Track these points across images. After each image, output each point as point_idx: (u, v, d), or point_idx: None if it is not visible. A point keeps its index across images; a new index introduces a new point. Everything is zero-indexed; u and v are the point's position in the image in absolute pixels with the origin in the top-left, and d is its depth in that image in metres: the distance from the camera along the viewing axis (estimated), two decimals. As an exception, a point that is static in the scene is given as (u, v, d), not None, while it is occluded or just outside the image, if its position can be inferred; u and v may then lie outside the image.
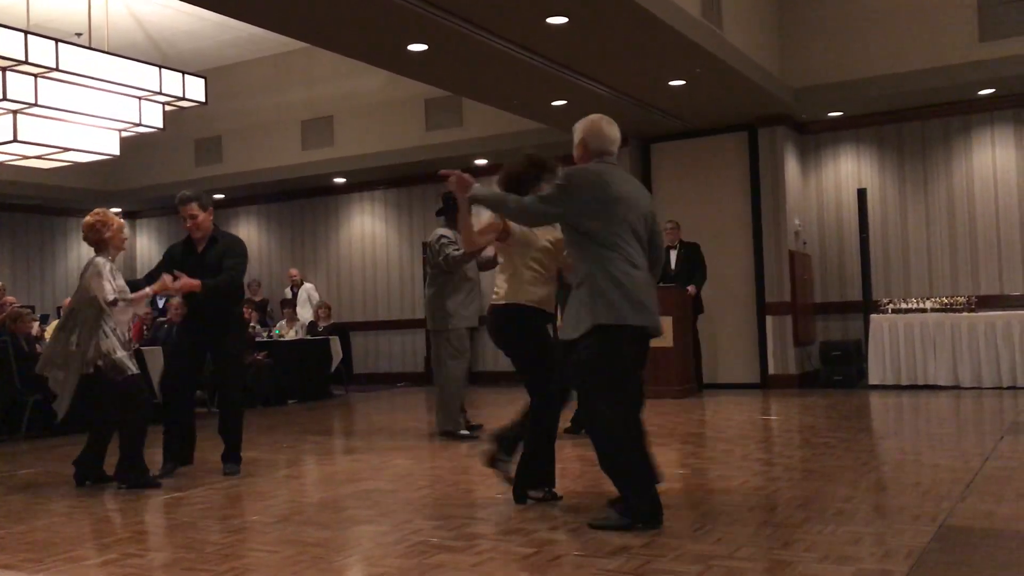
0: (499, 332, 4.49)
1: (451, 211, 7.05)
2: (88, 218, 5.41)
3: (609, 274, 3.85)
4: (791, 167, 10.76)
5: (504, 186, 4.46)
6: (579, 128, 4.12)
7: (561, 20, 7.11)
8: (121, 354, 5.22)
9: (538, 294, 4.46)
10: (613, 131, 4.09)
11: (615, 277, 3.84)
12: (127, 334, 5.40)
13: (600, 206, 3.89)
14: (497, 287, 4.53)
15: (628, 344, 3.89)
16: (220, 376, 5.77)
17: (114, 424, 5.32)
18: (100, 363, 5.16)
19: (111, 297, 5.20)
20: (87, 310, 5.21)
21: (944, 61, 9.50)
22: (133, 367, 5.27)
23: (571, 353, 3.96)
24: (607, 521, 3.82)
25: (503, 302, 4.46)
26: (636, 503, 3.79)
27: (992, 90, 9.84)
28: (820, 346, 10.67)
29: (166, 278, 5.42)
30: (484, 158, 12.37)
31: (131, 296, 5.33)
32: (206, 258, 5.62)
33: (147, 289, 5.44)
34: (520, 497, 4.39)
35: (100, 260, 5.27)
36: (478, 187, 4.24)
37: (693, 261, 10.03)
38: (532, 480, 4.40)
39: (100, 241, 5.34)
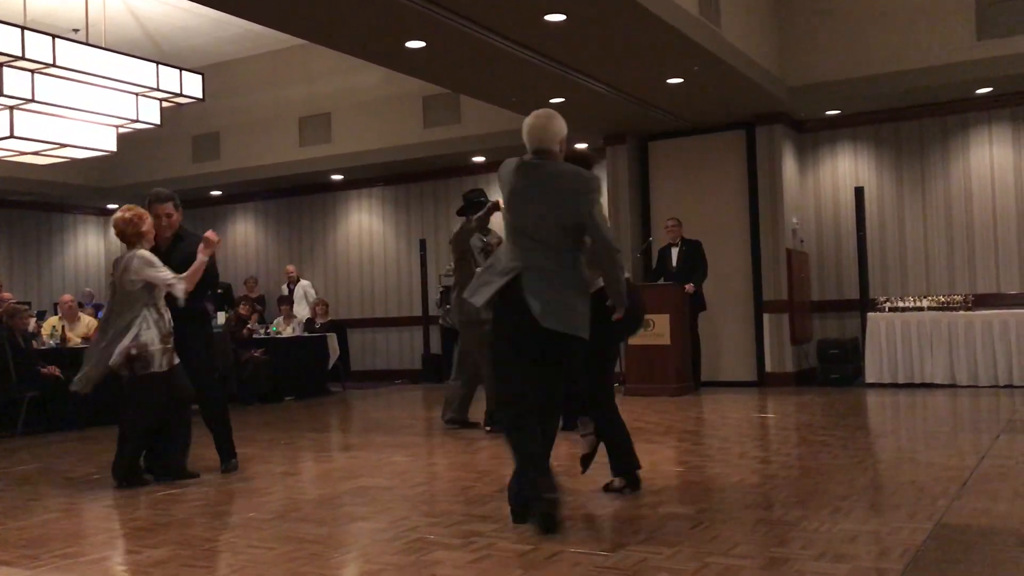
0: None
1: (473, 210, 7.16)
2: (125, 214, 5.31)
3: None
4: (789, 165, 10.77)
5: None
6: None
7: (559, 17, 7.10)
8: (157, 347, 5.15)
9: None
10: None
11: None
12: (171, 323, 5.30)
13: None
14: None
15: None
16: (195, 373, 5.58)
17: (123, 418, 5.29)
18: (134, 351, 5.10)
19: (172, 279, 5.19)
20: (131, 307, 5.18)
21: (942, 60, 9.50)
22: (162, 365, 5.18)
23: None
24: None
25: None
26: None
27: (990, 89, 9.85)
28: (817, 344, 10.68)
29: (210, 234, 5.45)
30: (482, 155, 12.37)
31: (189, 272, 5.30)
32: (173, 257, 5.51)
33: (201, 256, 5.37)
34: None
35: (144, 252, 5.25)
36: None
37: (694, 258, 10.04)
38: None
39: (138, 235, 5.29)
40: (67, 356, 8.49)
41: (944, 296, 9.89)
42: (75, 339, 9.47)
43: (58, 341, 9.25)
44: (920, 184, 10.62)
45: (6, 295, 9.76)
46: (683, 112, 10.20)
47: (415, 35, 7.46)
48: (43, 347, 8.96)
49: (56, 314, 10.54)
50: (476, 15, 7.03)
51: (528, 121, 4.11)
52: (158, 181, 14.40)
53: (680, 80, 8.93)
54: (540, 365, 4.00)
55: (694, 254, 10.05)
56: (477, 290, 4.07)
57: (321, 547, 3.70)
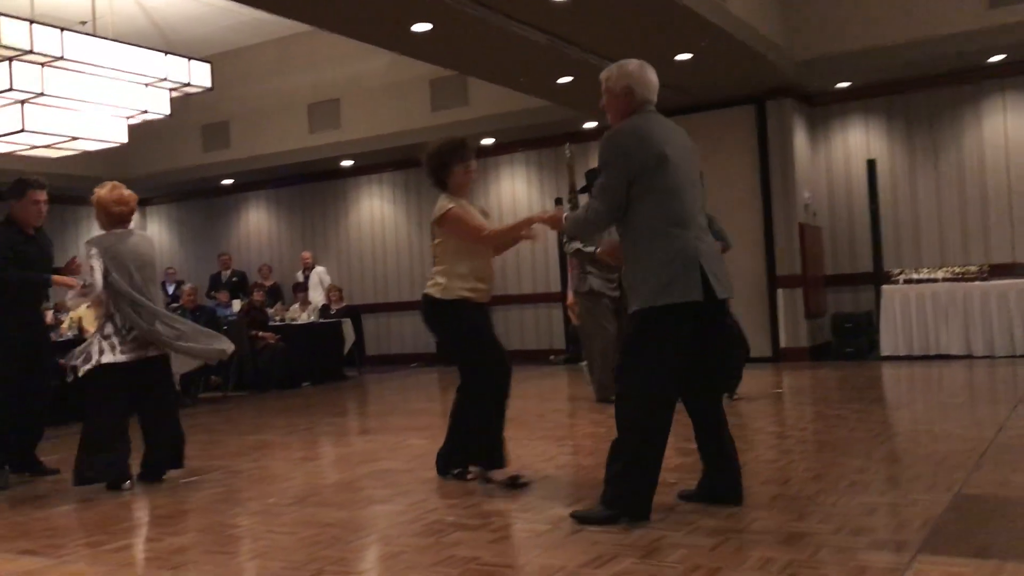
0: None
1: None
2: (127, 192, 5.16)
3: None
4: (800, 139, 10.69)
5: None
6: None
7: (566, -4, 7.06)
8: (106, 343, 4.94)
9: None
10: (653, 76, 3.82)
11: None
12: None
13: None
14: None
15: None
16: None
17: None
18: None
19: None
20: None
21: (953, 28, 9.39)
22: (99, 358, 4.91)
23: None
24: (590, 513, 3.59)
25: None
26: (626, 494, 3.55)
27: (1003, 56, 9.74)
28: (832, 318, 10.65)
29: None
30: (491, 137, 12.33)
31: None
32: (42, 244, 5.51)
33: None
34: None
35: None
36: (565, 214, 4.04)
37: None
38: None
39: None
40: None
41: (959, 267, 9.83)
42: (91, 330, 9.53)
43: (76, 332, 9.32)
44: (933, 155, 10.54)
45: None
46: (692, 88, 10.13)
47: (421, 17, 7.43)
48: (61, 339, 9.02)
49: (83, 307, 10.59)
50: (482, -4, 6.99)
51: (648, 72, 3.80)
52: (170, 171, 14.52)
53: (688, 56, 8.88)
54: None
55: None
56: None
57: (341, 531, 3.74)
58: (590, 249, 6.99)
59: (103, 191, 5.09)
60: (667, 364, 3.57)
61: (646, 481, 3.57)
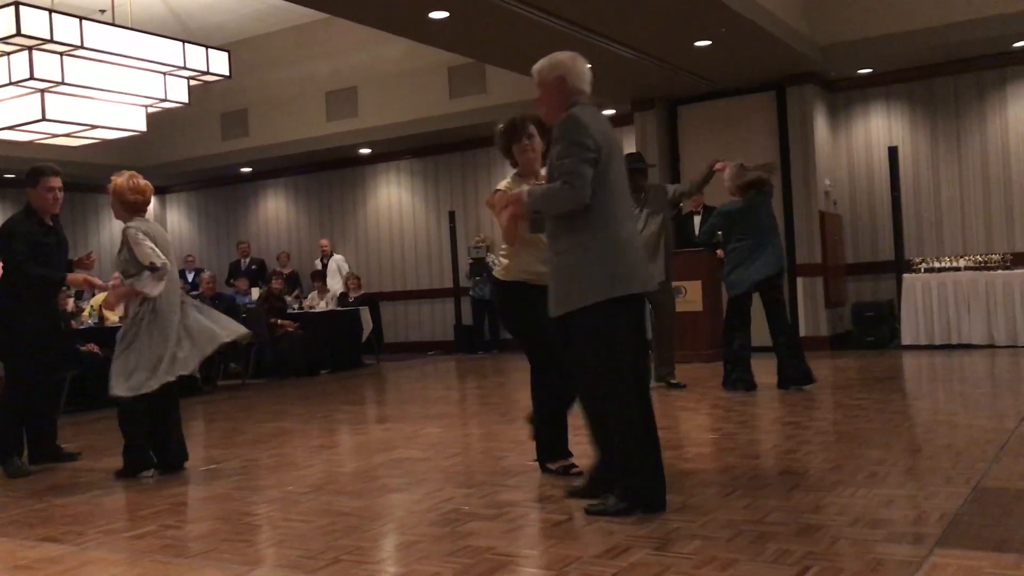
0: None
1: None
2: (143, 181, 5.16)
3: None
4: (820, 126, 10.60)
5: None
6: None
7: (583, -17, 7.02)
8: None
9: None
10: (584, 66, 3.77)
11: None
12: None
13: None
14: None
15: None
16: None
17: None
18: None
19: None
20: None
21: (977, 13, 9.26)
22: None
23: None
24: (605, 507, 3.57)
25: None
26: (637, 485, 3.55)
27: (1028, 42, 9.61)
28: (852, 307, 10.57)
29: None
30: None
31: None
32: (60, 234, 5.52)
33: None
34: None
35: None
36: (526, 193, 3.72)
37: None
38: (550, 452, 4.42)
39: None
40: (107, 334, 8.61)
41: (981, 255, 9.73)
42: (112, 318, 9.61)
43: (96, 320, 9.40)
44: (956, 142, 10.42)
45: None
46: (712, 75, 10.06)
47: (438, 5, 7.41)
48: (82, 327, 9.10)
49: (93, 294, 10.68)
50: (499, -17, 6.96)
51: (580, 62, 3.75)
52: (189, 159, 14.59)
53: (708, 42, 8.81)
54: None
55: None
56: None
57: (358, 519, 3.75)
58: None
59: (120, 179, 5.11)
60: (627, 352, 3.57)
61: (651, 470, 3.56)
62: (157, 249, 4.91)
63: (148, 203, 5.18)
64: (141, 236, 4.93)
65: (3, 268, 5.21)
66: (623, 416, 3.54)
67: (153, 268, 4.87)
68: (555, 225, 3.67)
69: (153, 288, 4.89)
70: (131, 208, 5.09)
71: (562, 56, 3.77)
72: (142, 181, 5.16)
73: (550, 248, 3.72)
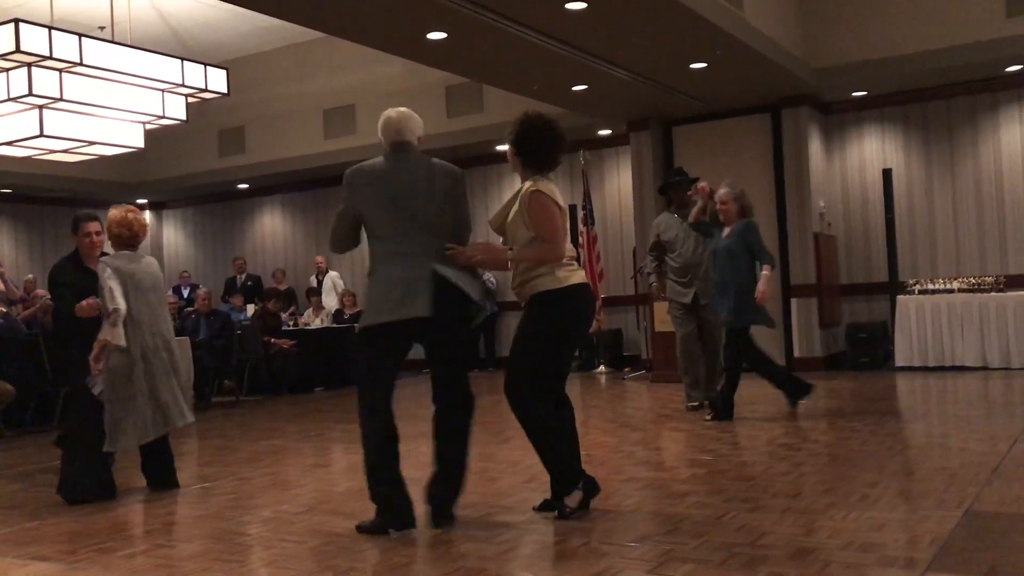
0: None
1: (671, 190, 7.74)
2: (132, 216, 5.08)
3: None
4: (815, 148, 10.66)
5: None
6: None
7: (580, 5, 7.07)
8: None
9: None
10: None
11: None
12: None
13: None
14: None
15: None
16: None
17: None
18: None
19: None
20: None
21: (970, 38, 9.34)
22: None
23: None
24: (367, 524, 3.86)
25: None
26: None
27: (1021, 66, 9.68)
28: (846, 328, 10.59)
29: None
30: (506, 144, 12.34)
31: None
32: (89, 279, 5.26)
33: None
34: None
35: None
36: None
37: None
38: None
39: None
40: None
41: (975, 277, 9.76)
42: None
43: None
44: (949, 165, 10.48)
45: (40, 292, 9.91)
46: (707, 97, 10.12)
47: (436, 26, 7.47)
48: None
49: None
50: (496, 5, 7.01)
51: (391, 116, 4.21)
52: (186, 176, 14.61)
53: (703, 65, 8.87)
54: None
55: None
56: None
57: (351, 540, 3.75)
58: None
59: (113, 211, 5.05)
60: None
61: (391, 489, 3.82)
62: (117, 292, 4.73)
63: (135, 238, 5.04)
64: (108, 274, 4.79)
65: (54, 314, 5.22)
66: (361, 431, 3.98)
67: (104, 313, 4.71)
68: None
69: (112, 335, 4.67)
70: (115, 241, 5.01)
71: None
72: (131, 215, 5.05)
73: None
